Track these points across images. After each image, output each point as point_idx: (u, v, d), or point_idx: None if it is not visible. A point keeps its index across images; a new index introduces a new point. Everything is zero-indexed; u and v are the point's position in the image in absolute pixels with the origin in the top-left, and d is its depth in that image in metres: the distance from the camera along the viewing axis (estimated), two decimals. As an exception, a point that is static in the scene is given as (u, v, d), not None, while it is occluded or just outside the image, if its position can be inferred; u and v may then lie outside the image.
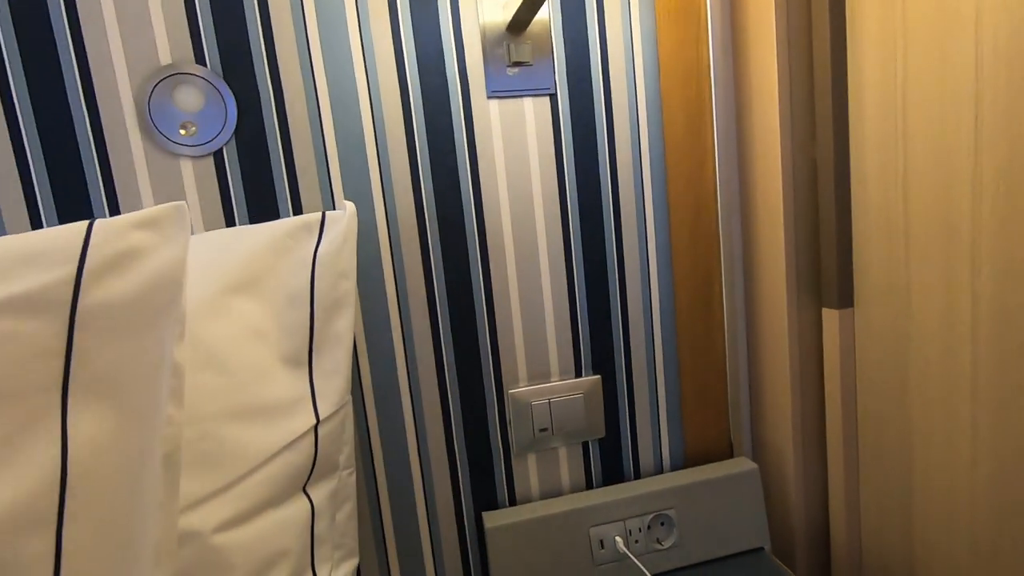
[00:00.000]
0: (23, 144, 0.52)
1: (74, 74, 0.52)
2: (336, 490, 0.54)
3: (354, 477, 0.57)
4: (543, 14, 0.62)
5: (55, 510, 0.30)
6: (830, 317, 0.68)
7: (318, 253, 0.52)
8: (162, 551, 0.35)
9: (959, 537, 0.57)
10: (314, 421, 0.50)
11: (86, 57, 0.52)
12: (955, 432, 0.56)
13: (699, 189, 0.71)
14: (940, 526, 0.59)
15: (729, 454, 0.76)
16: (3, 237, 0.33)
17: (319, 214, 0.53)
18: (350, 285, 0.53)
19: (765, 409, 0.75)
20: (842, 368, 0.68)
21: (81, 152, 0.53)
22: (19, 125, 0.51)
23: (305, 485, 0.50)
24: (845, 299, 0.67)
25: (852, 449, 0.69)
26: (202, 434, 0.43)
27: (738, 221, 0.73)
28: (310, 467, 0.50)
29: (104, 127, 0.53)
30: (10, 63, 0.51)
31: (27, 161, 0.52)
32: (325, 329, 0.52)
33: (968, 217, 0.52)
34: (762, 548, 0.71)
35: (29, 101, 0.51)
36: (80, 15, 0.51)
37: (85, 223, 0.33)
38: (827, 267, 0.67)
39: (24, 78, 0.51)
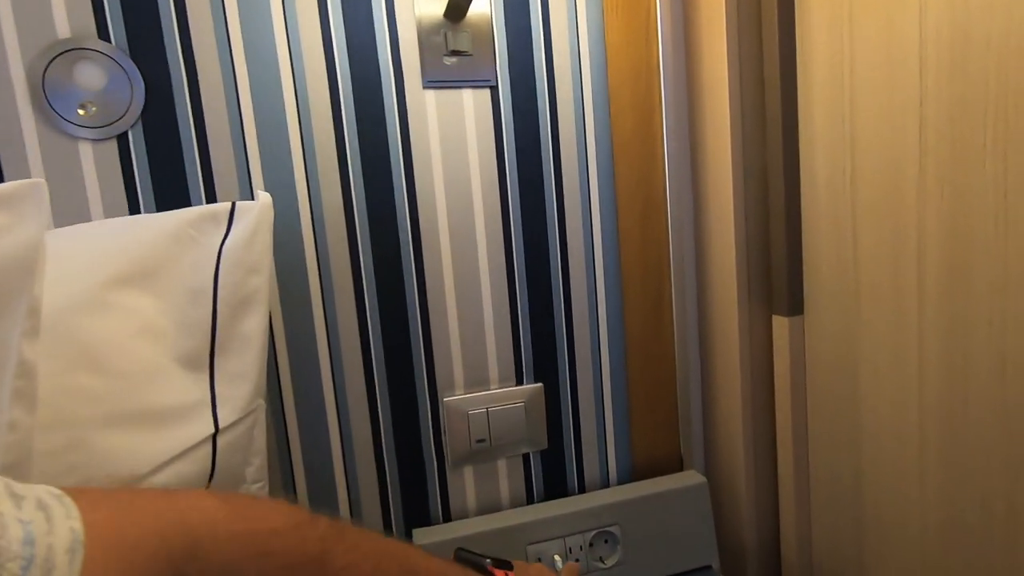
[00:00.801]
0: None
1: (-43, 45, 0.48)
2: (241, 504, 0.50)
3: (266, 491, 0.53)
4: (483, 2, 0.60)
5: None
6: (780, 325, 0.66)
7: (225, 246, 0.48)
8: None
9: (910, 550, 0.55)
10: (212, 429, 0.45)
11: (-29, 27, 0.48)
12: (904, 443, 0.54)
13: (648, 190, 0.68)
14: (891, 540, 0.57)
15: (679, 467, 0.73)
16: None
17: (228, 204, 0.49)
18: (261, 282, 0.49)
19: (717, 421, 0.73)
20: (792, 378, 0.66)
21: (-37, 130, 0.48)
22: None
23: (201, 499, 0.46)
24: (795, 306, 0.65)
25: (803, 461, 0.67)
26: (73, 442, 0.39)
27: (690, 225, 0.71)
28: (206, 480, 0.45)
29: (-8, 104, 0.49)
30: None
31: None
32: (230, 329, 0.48)
33: (914, 219, 0.50)
34: (710, 567, 0.68)
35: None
36: (-34, -19, 0.47)
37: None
38: (777, 273, 0.65)
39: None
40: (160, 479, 0.42)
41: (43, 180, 0.33)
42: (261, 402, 0.51)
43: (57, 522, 0.21)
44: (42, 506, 0.21)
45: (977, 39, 0.43)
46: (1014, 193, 0.42)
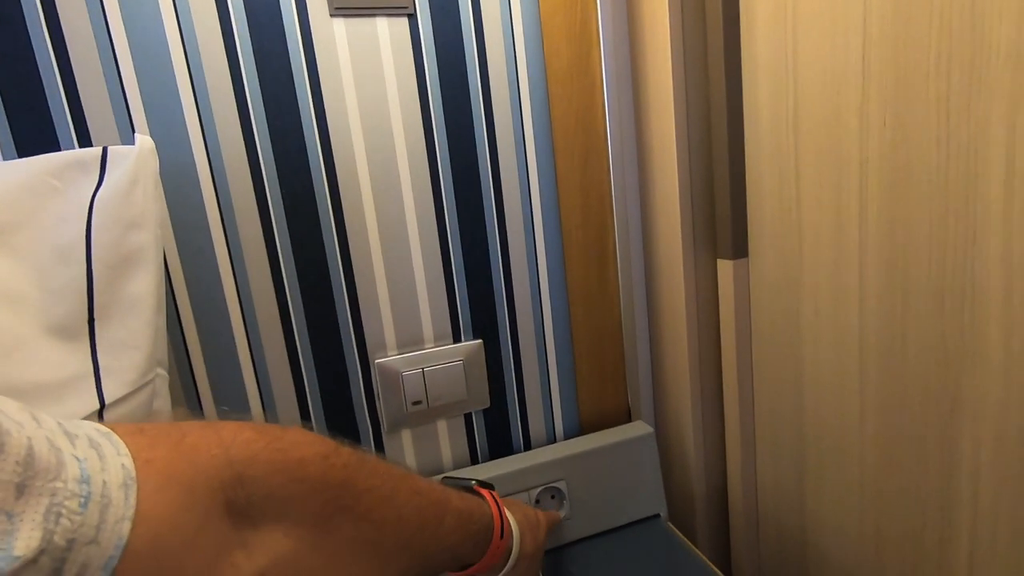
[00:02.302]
0: None
1: None
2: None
3: (176, 468, 0.48)
4: (393, -85, 0.53)
5: None
6: (725, 268, 0.64)
7: (97, 197, 0.42)
8: None
9: (849, 490, 0.55)
10: (97, 405, 0.40)
11: None
12: (844, 384, 0.54)
13: (588, 129, 0.64)
14: (830, 480, 0.57)
15: (627, 419, 0.72)
16: None
17: (99, 149, 0.42)
18: (146, 238, 0.43)
19: (664, 369, 0.72)
20: (737, 324, 0.64)
21: None
22: None
23: (91, 483, 0.41)
24: (739, 249, 0.63)
25: (748, 406, 0.66)
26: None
27: (633, 167, 0.67)
28: (95, 460, 0.41)
29: None
30: None
31: None
32: (111, 292, 0.42)
33: (856, 152, 0.48)
34: (658, 515, 0.68)
35: None
36: None
37: None
38: (721, 215, 0.63)
39: None
40: (32, 464, 0.37)
41: None
42: (161, 372, 0.46)
43: (109, 459, 0.21)
44: (93, 443, 0.21)
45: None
46: (956, 115, 0.40)
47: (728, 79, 0.59)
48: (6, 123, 0.46)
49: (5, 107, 0.45)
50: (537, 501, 0.63)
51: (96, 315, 0.42)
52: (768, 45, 0.55)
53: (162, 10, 0.48)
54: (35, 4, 0.45)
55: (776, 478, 0.64)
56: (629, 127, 0.66)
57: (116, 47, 0.47)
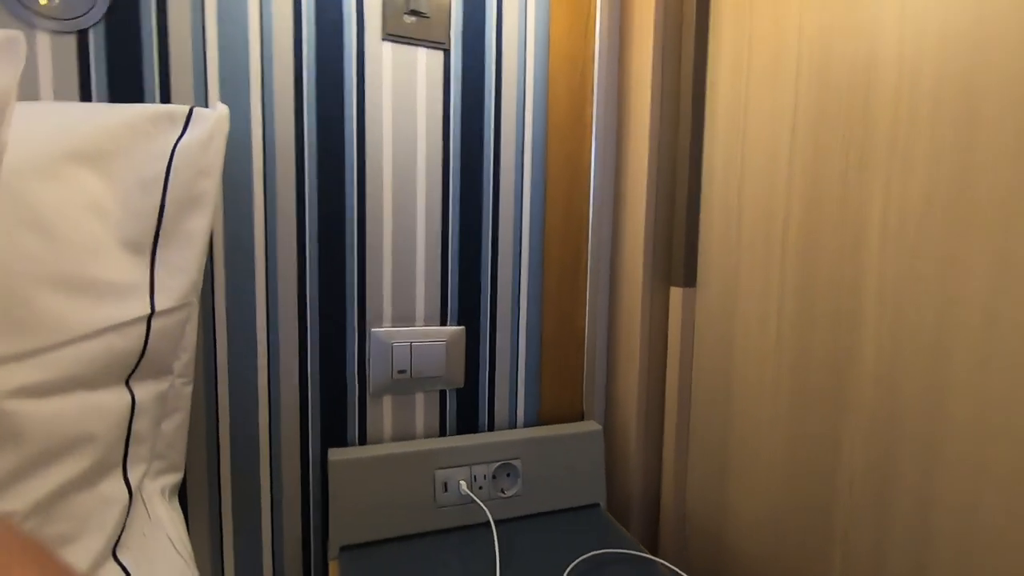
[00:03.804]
0: None
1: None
2: (165, 395, 0.52)
3: (190, 389, 0.55)
4: (445, -28, 0.66)
5: None
6: (676, 295, 0.75)
7: (179, 145, 0.50)
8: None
9: (758, 492, 0.64)
10: (148, 311, 0.47)
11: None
12: (761, 397, 0.64)
13: (576, 167, 0.76)
14: (746, 482, 0.66)
15: (580, 418, 0.80)
16: None
17: (187, 107, 0.51)
18: (211, 185, 0.52)
19: (618, 377, 0.81)
20: (682, 342, 0.75)
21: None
22: None
23: (129, 378, 0.48)
24: (690, 278, 0.74)
25: (685, 418, 0.76)
26: (12, 292, 0.40)
27: (609, 203, 0.79)
28: (137, 358, 0.47)
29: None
30: None
31: None
32: (176, 223, 0.50)
33: (783, 207, 0.60)
34: (598, 504, 0.75)
35: None
36: None
37: None
38: (676, 250, 0.75)
39: None
40: (94, 346, 0.44)
41: (21, 34, 0.36)
42: (195, 301, 0.53)
43: None
44: None
45: (836, 66, 0.54)
46: (851, 185, 0.53)
47: (692, 147, 0.72)
48: (106, 83, 0.54)
49: (108, 69, 0.54)
50: (494, 476, 0.70)
51: (160, 239, 0.49)
52: (724, 127, 0.68)
53: (249, 11, 0.58)
54: (149, 2, 0.55)
55: (703, 477, 0.73)
56: (610, 170, 0.78)
57: (207, 36, 0.57)
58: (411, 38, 0.65)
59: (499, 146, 0.71)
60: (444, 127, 0.68)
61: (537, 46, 0.72)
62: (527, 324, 0.75)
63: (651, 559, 0.62)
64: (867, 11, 0.51)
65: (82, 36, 0.53)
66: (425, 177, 0.68)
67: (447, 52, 0.67)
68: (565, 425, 0.77)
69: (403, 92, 0.66)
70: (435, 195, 0.69)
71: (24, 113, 0.45)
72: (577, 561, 0.61)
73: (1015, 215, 0.41)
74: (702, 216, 0.73)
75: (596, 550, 0.64)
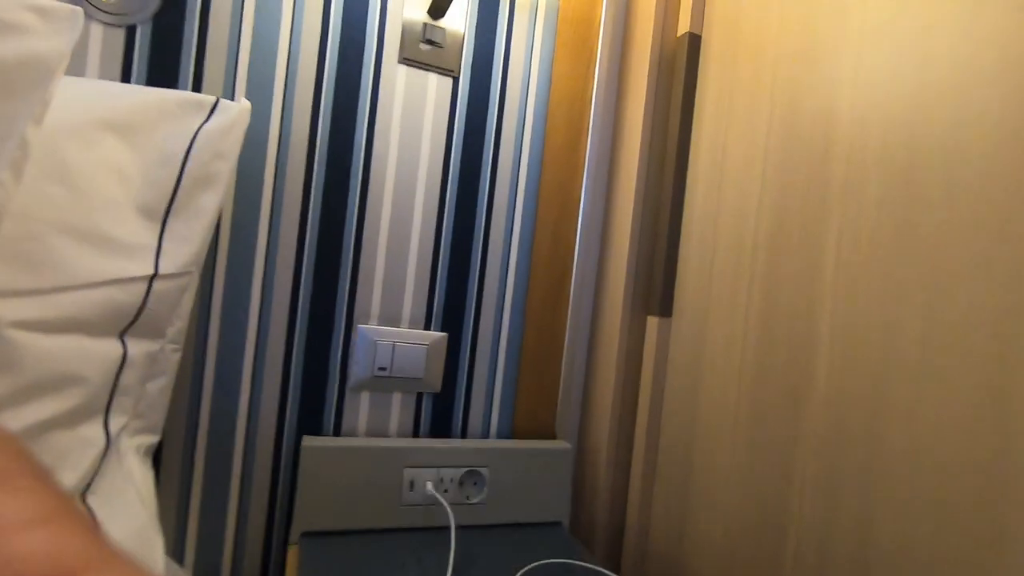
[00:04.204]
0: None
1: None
2: (155, 356, 0.55)
3: (178, 356, 0.58)
4: (461, 12, 0.73)
5: None
6: (652, 324, 0.78)
7: (202, 129, 0.56)
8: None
9: (715, 517, 0.65)
10: (152, 272, 0.51)
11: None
12: (723, 424, 0.66)
13: (566, 197, 0.81)
14: (705, 507, 0.67)
15: (552, 436, 0.82)
16: None
17: (214, 97, 0.57)
18: (225, 168, 0.57)
19: (593, 401, 0.83)
20: (655, 370, 0.77)
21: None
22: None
23: (124, 332, 0.51)
24: (666, 309, 0.78)
25: (654, 443, 0.77)
26: (31, 234, 0.44)
27: (596, 231, 0.84)
28: (134, 315, 0.51)
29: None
30: None
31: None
32: (189, 197, 0.54)
33: (751, 242, 0.65)
34: (560, 523, 0.76)
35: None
36: None
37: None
38: (655, 282, 0.79)
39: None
40: (97, 295, 0.47)
41: (81, 10, 0.41)
42: (195, 272, 0.57)
43: None
44: None
45: (801, 118, 0.60)
46: (808, 232, 0.57)
47: (675, 185, 0.77)
48: (145, 75, 0.60)
49: (149, 63, 0.60)
50: (461, 483, 0.72)
51: (172, 209, 0.54)
52: (705, 167, 0.74)
53: (281, 29, 0.65)
54: (194, 9, 0.62)
55: (667, 501, 0.74)
56: (599, 201, 0.84)
57: (241, 45, 0.64)
58: (425, 64, 0.72)
59: (496, 169, 0.76)
60: (446, 146, 0.74)
61: (539, 82, 0.78)
62: (508, 339, 0.78)
63: (603, 571, 0.63)
64: (828, 71, 0.57)
65: (130, 31, 0.60)
66: (424, 190, 0.73)
67: (456, 80, 0.74)
68: (536, 441, 0.78)
69: (412, 111, 0.72)
70: (432, 207, 0.73)
71: (69, 84, 0.51)
72: (529, 567, 0.62)
73: (948, 247, 0.45)
74: (681, 250, 0.77)
75: (550, 559, 0.64)
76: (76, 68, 0.58)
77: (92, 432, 0.48)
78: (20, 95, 0.38)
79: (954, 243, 0.45)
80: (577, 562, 0.65)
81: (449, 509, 0.65)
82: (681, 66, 0.78)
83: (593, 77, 0.81)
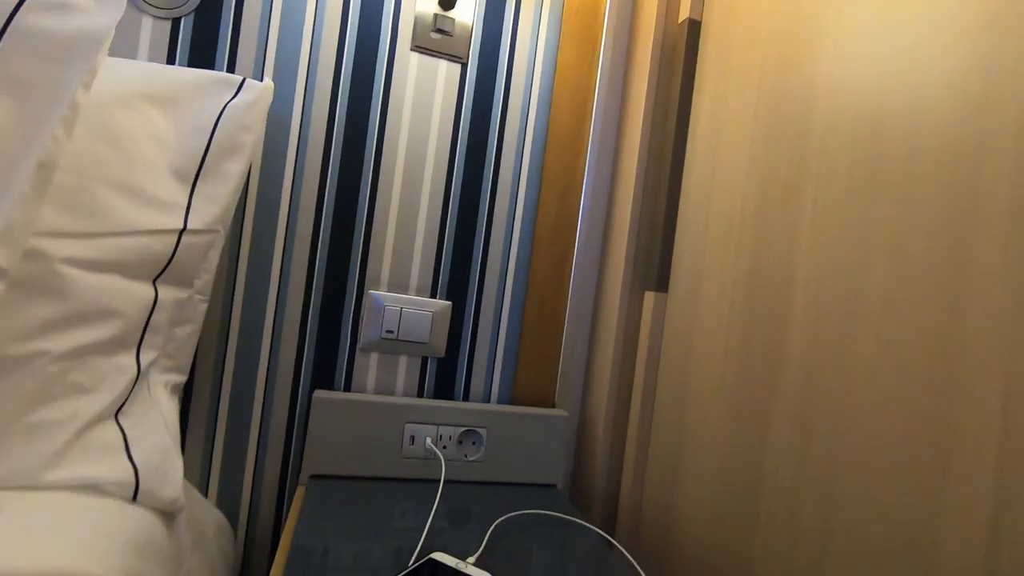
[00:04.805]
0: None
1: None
2: (184, 303, 0.62)
3: (205, 306, 0.65)
4: (468, 4, 0.79)
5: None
6: (648, 298, 0.81)
7: (230, 104, 0.63)
8: (7, 233, 0.43)
9: (701, 483, 0.67)
10: (181, 226, 0.59)
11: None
12: (710, 390, 0.68)
13: (570, 177, 0.85)
14: (692, 474, 0.69)
15: (552, 404, 0.85)
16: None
17: (241, 77, 0.64)
18: (249, 138, 0.64)
19: (593, 372, 0.86)
20: (650, 343, 0.80)
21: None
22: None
23: (156, 278, 0.58)
24: (662, 284, 0.80)
25: (648, 414, 0.79)
26: (83, 187, 0.52)
27: (599, 210, 0.87)
28: (165, 262, 0.58)
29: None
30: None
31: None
32: (216, 163, 0.62)
33: (738, 223, 0.67)
34: (555, 485, 0.79)
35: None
36: None
37: (45, -32, 0.45)
38: (652, 257, 0.81)
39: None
40: (134, 242, 0.55)
41: (125, -4, 0.49)
42: (221, 231, 0.64)
43: None
44: None
45: (783, 109, 0.62)
46: (792, 198, 0.59)
47: (672, 166, 0.80)
48: (187, 60, 0.69)
49: (191, 50, 0.69)
50: (460, 441, 0.76)
51: (201, 173, 0.61)
52: (700, 156, 0.76)
53: (306, 16, 0.73)
54: (230, 3, 0.70)
55: (659, 471, 0.76)
56: (603, 181, 0.87)
57: (269, 35, 0.71)
58: (435, 51, 0.78)
59: (501, 148, 0.81)
60: (454, 127, 0.79)
61: (544, 68, 0.83)
62: (510, 310, 0.83)
63: (582, 523, 0.66)
64: (810, 44, 0.60)
65: (175, 23, 0.68)
66: (432, 167, 0.79)
67: (464, 66, 0.79)
68: (534, 409, 0.82)
69: (423, 94, 0.78)
70: (439, 184, 0.79)
71: (120, 64, 0.60)
72: (510, 515, 0.65)
73: (906, 228, 0.47)
74: (678, 227, 0.80)
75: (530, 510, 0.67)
76: (128, 54, 0.66)
77: (126, 361, 0.56)
78: (72, 64, 0.46)
79: (913, 209, 0.46)
80: (555, 513, 0.68)
81: (442, 460, 0.70)
82: (681, 52, 0.81)
83: (597, 64, 0.85)
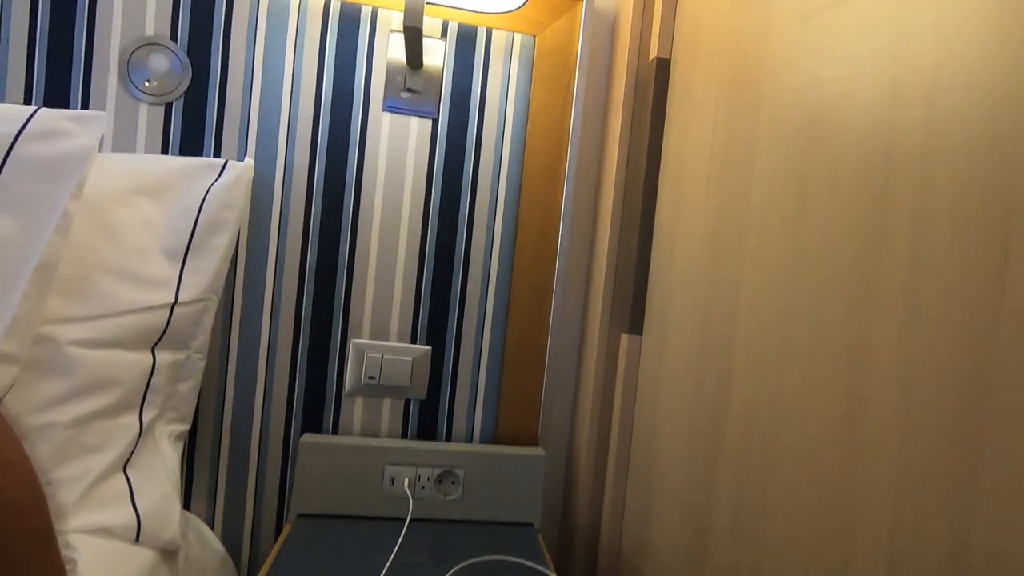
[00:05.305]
0: (33, 68, 0.76)
1: (83, 27, 0.76)
2: (182, 363, 0.73)
3: (203, 364, 0.76)
4: (437, 59, 0.85)
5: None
6: (624, 341, 0.86)
7: (213, 186, 0.73)
8: (15, 328, 0.54)
9: (667, 520, 0.72)
10: (173, 300, 0.69)
11: (95, 18, 0.76)
12: (673, 436, 0.72)
13: (546, 219, 0.91)
14: (658, 513, 0.74)
15: (536, 443, 0.91)
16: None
17: (223, 160, 0.74)
18: (232, 215, 0.74)
19: (578, 411, 0.92)
20: (625, 384, 0.84)
21: (71, 82, 0.76)
22: (35, 54, 0.76)
23: (154, 346, 0.69)
24: (636, 327, 0.85)
25: (624, 453, 0.84)
26: (83, 276, 0.63)
27: (580, 252, 0.92)
28: (160, 332, 0.69)
29: (94, 69, 0.77)
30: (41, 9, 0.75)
31: (32, 81, 0.76)
32: (203, 240, 0.72)
33: (696, 265, 0.70)
34: (532, 524, 0.86)
35: (47, 40, 0.76)
36: (100, -7, 0.76)
37: (37, 107, 0.55)
38: (627, 302, 0.85)
39: (48, 22, 0.76)
40: (132, 319, 0.66)
41: (105, 113, 0.59)
42: (214, 297, 0.75)
43: None
44: None
45: (733, 148, 0.65)
46: (734, 238, 0.62)
47: (643, 212, 0.84)
48: (179, 136, 0.79)
49: (182, 128, 0.79)
50: (439, 481, 0.84)
51: (190, 251, 0.71)
52: (668, 195, 0.80)
53: (284, 90, 0.82)
54: (216, 77, 0.80)
55: (634, 508, 0.81)
56: (581, 221, 0.92)
57: (251, 110, 0.81)
58: (406, 109, 0.85)
59: (474, 197, 0.88)
60: (427, 179, 0.86)
61: (516, 114, 0.89)
62: (489, 352, 0.90)
63: (540, 570, 0.72)
64: (757, 56, 0.62)
65: (168, 107, 0.79)
66: (407, 220, 0.86)
67: (435, 121, 0.86)
68: (511, 447, 0.88)
69: (396, 151, 0.85)
70: (415, 235, 0.86)
71: (115, 159, 0.71)
72: (469, 562, 0.73)
73: (835, 248, 0.50)
74: (651, 269, 0.83)
75: (501, 556, 0.74)
76: (128, 141, 0.78)
77: (129, 420, 0.67)
78: (63, 180, 0.57)
79: (834, 239, 0.49)
80: (519, 561, 0.74)
81: (411, 500, 0.78)
82: (650, 89, 0.84)
83: (571, 105, 0.90)
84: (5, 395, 0.57)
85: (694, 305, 0.70)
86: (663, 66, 0.85)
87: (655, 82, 0.84)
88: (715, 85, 0.70)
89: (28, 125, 0.54)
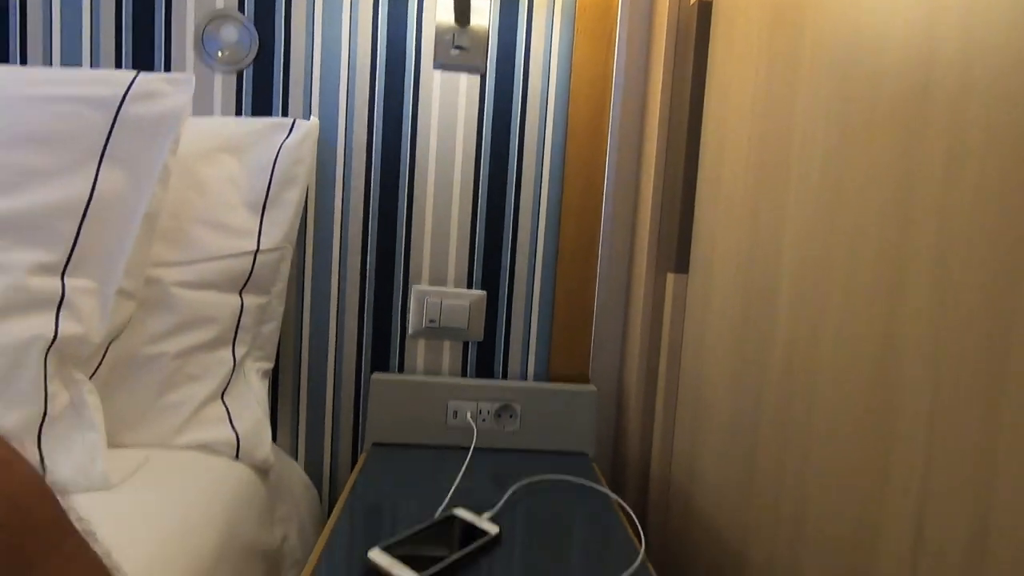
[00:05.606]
0: (122, 44, 0.85)
1: (162, 3, 0.85)
2: (264, 306, 0.82)
3: (282, 308, 0.85)
4: (483, 17, 0.91)
5: (78, 220, 0.59)
6: (670, 280, 0.90)
7: (284, 143, 0.81)
8: (131, 268, 0.63)
9: (715, 442, 0.77)
10: (255, 248, 0.78)
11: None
12: (720, 364, 0.77)
13: (592, 167, 0.96)
14: (708, 447, 0.79)
15: (587, 380, 0.98)
16: (95, 70, 0.64)
17: (291, 120, 0.82)
18: (302, 169, 0.82)
19: (628, 349, 0.97)
20: (672, 323, 0.89)
21: (155, 55, 0.86)
22: (122, 30, 0.85)
23: (241, 289, 0.79)
24: (682, 267, 0.89)
25: (673, 389, 0.90)
26: (179, 227, 0.73)
27: (625, 198, 0.97)
28: (246, 277, 0.78)
29: (172, 42, 0.86)
30: (127, -6, 0.85)
31: (121, 57, 0.85)
32: (278, 193, 0.81)
33: (739, 205, 0.74)
34: (586, 454, 0.92)
35: (131, 18, 0.85)
36: (175, -29, 0.85)
37: (137, 71, 0.64)
38: (671, 240, 0.90)
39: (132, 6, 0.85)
40: (222, 264, 0.75)
41: (193, 76, 0.67)
42: (288, 247, 0.84)
43: None
44: None
45: (775, 96, 0.68)
46: (779, 178, 0.66)
47: (687, 155, 0.87)
48: (251, 101, 0.88)
49: (253, 93, 0.88)
50: (498, 415, 0.92)
51: (267, 204, 0.80)
52: (712, 137, 0.83)
53: (342, 52, 0.89)
54: (281, 43, 0.87)
55: (682, 441, 0.87)
56: (626, 168, 0.96)
57: (313, 71, 0.89)
58: (456, 66, 0.91)
59: (522, 149, 0.94)
60: (478, 133, 0.93)
61: (559, 68, 0.93)
62: (540, 296, 0.96)
63: (592, 486, 0.78)
64: (791, 47, 0.65)
65: (239, 74, 0.87)
66: (460, 172, 0.93)
67: (483, 76, 0.92)
68: (567, 385, 0.95)
69: (447, 106, 0.92)
70: (468, 185, 0.93)
71: (200, 122, 0.79)
72: (531, 479, 0.80)
73: (874, 183, 0.54)
74: (696, 210, 0.88)
75: (557, 475, 0.82)
76: (206, 106, 0.87)
77: (224, 355, 0.77)
78: (163, 136, 0.65)
79: (876, 170, 0.53)
80: (565, 476, 0.81)
81: (475, 430, 0.86)
82: (692, 34, 0.87)
83: (613, 56, 0.94)
84: (125, 327, 0.67)
85: (738, 243, 0.74)
86: (704, 9, 0.87)
87: (697, 26, 0.87)
88: (756, 24, 0.73)
89: (132, 87, 0.63)
